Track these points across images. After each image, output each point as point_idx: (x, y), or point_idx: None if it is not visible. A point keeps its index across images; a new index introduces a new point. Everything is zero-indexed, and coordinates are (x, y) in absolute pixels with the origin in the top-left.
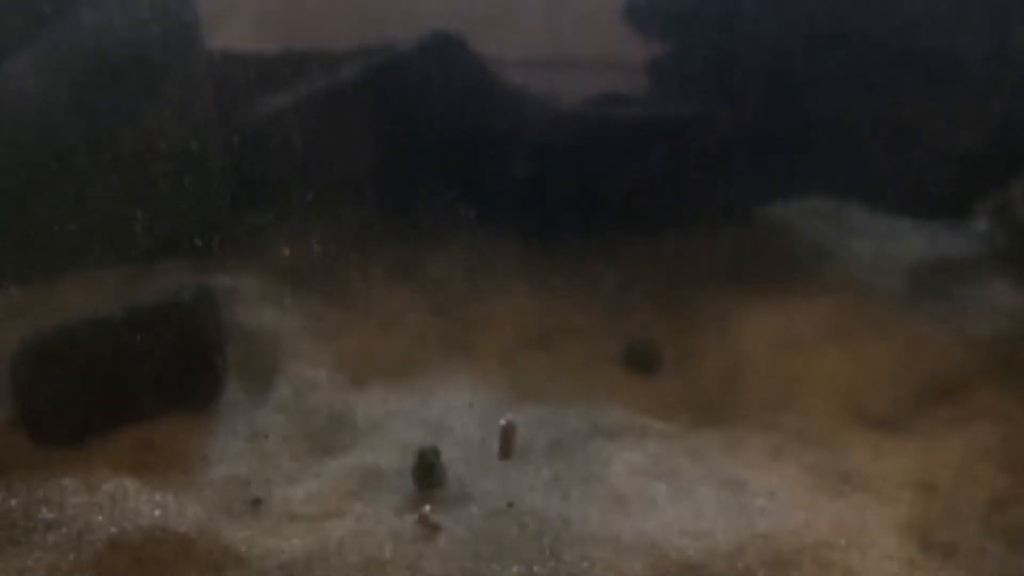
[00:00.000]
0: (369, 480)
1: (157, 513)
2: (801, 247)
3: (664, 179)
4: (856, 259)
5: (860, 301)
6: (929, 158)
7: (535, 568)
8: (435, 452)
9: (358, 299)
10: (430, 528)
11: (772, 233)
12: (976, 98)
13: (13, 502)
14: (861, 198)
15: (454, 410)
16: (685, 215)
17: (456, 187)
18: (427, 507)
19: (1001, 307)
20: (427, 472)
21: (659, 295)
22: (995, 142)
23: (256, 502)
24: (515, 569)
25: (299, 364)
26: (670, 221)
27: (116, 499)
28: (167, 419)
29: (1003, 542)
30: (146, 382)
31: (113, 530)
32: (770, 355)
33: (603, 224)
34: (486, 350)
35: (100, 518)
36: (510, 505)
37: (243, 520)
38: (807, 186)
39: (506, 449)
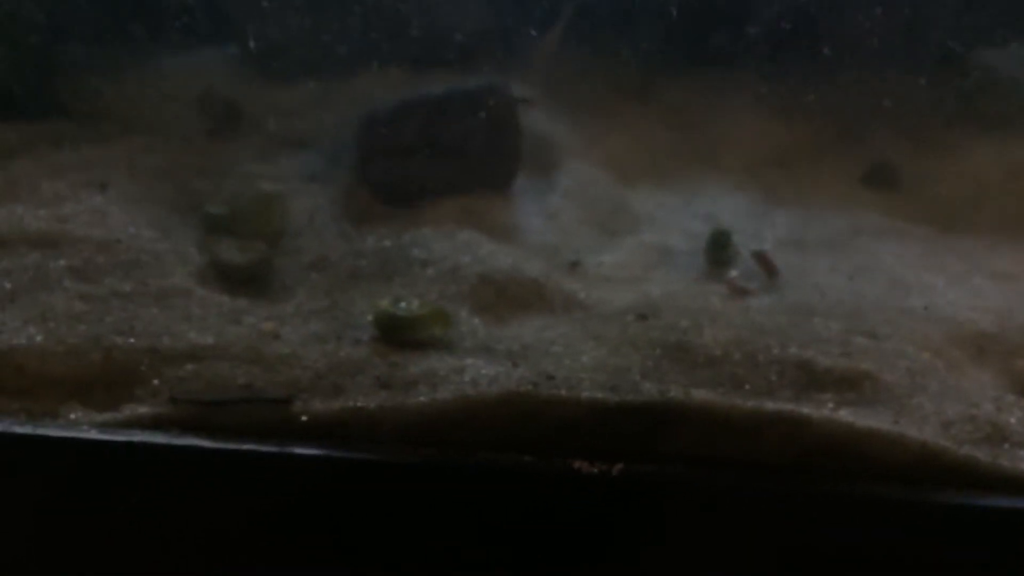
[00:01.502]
0: (665, 256)
1: (510, 260)
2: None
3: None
4: None
5: None
6: None
7: (854, 323)
8: (726, 234)
9: (612, 115)
10: (740, 292)
11: (993, 75)
12: None
13: (386, 243)
14: None
15: (720, 207)
16: (911, 53)
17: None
18: (734, 272)
19: None
20: (720, 249)
21: (895, 126)
22: None
23: (575, 264)
24: (834, 325)
25: (576, 162)
26: (898, 58)
27: (472, 245)
28: (476, 195)
29: None
30: (462, 158)
31: (480, 268)
32: (1005, 181)
33: (837, 61)
34: (731, 164)
35: (465, 259)
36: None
37: (569, 277)
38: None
39: (770, 269)
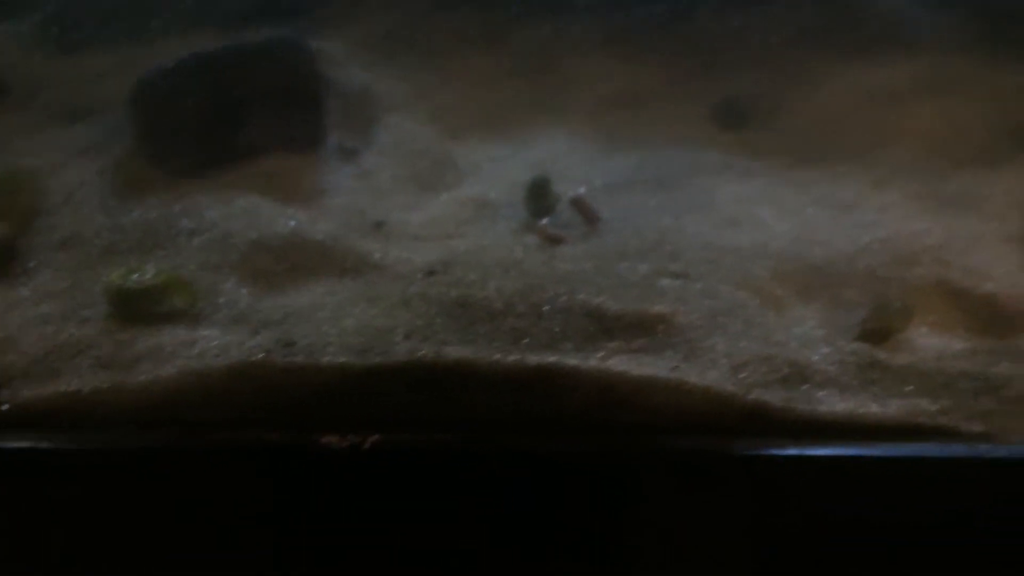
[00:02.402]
0: (482, 210)
1: (292, 223)
2: (891, 12)
3: None
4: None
5: (950, 59)
6: None
7: (667, 265)
8: (545, 182)
9: (447, 63)
10: (551, 240)
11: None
12: None
13: (152, 214)
14: None
15: (551, 155)
16: None
17: None
18: (544, 220)
19: None
20: (539, 198)
21: (746, 59)
22: None
23: (379, 224)
24: (643, 267)
25: (397, 117)
26: None
27: (250, 212)
28: (279, 157)
29: None
30: (254, 119)
31: (254, 235)
32: (859, 109)
33: None
34: (575, 108)
35: (239, 226)
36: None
37: (370, 238)
38: None
39: (589, 216)
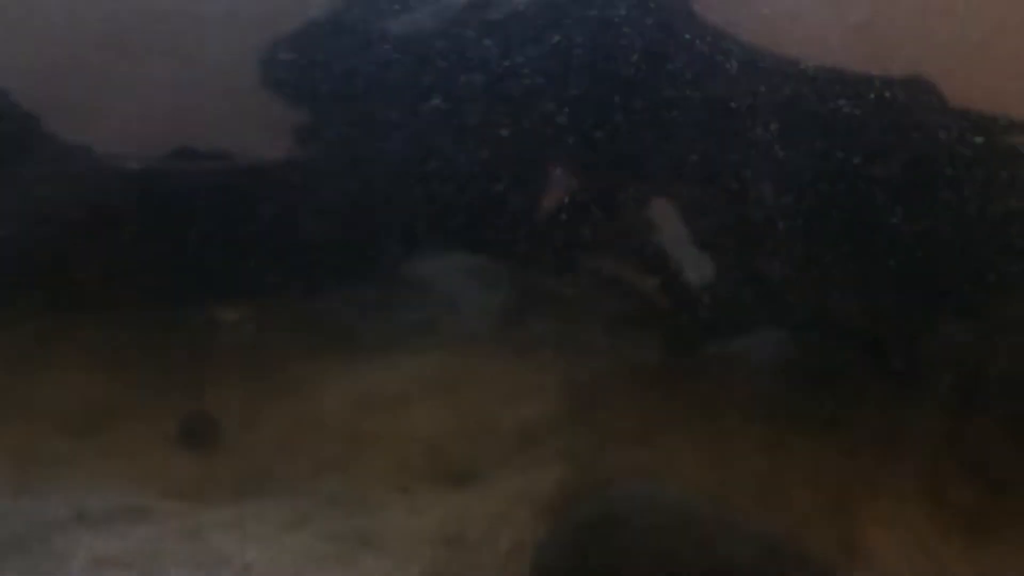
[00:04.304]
0: None
1: None
2: (427, 302)
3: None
4: (482, 312)
5: (472, 354)
6: None
7: None
8: None
9: None
10: None
11: (396, 290)
12: None
13: None
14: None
15: None
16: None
17: None
18: None
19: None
20: None
21: (230, 365)
22: None
23: None
24: None
25: None
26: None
27: None
28: None
29: None
30: None
31: None
32: (346, 416)
33: (166, 291)
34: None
35: None
36: None
37: None
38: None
39: None
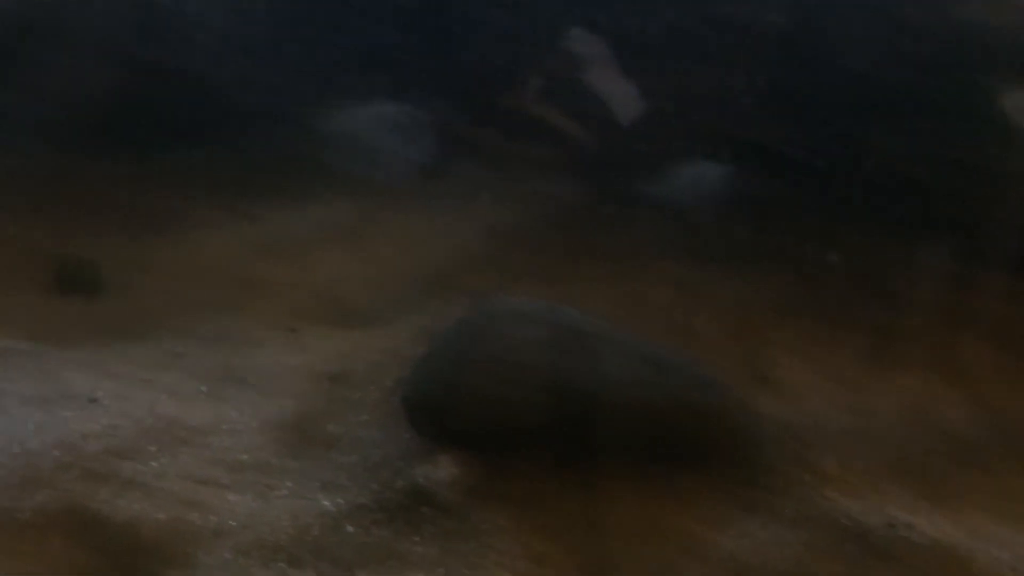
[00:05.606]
0: None
1: None
2: (344, 152)
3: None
4: (403, 161)
5: (385, 204)
6: None
7: None
8: None
9: None
10: None
11: (314, 139)
12: None
13: None
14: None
15: None
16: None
17: None
18: None
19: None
20: None
21: (121, 213)
22: None
23: None
24: None
25: None
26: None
27: None
28: None
29: (382, 427)
30: None
31: None
32: (242, 262)
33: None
34: None
35: None
36: None
37: None
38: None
39: None
